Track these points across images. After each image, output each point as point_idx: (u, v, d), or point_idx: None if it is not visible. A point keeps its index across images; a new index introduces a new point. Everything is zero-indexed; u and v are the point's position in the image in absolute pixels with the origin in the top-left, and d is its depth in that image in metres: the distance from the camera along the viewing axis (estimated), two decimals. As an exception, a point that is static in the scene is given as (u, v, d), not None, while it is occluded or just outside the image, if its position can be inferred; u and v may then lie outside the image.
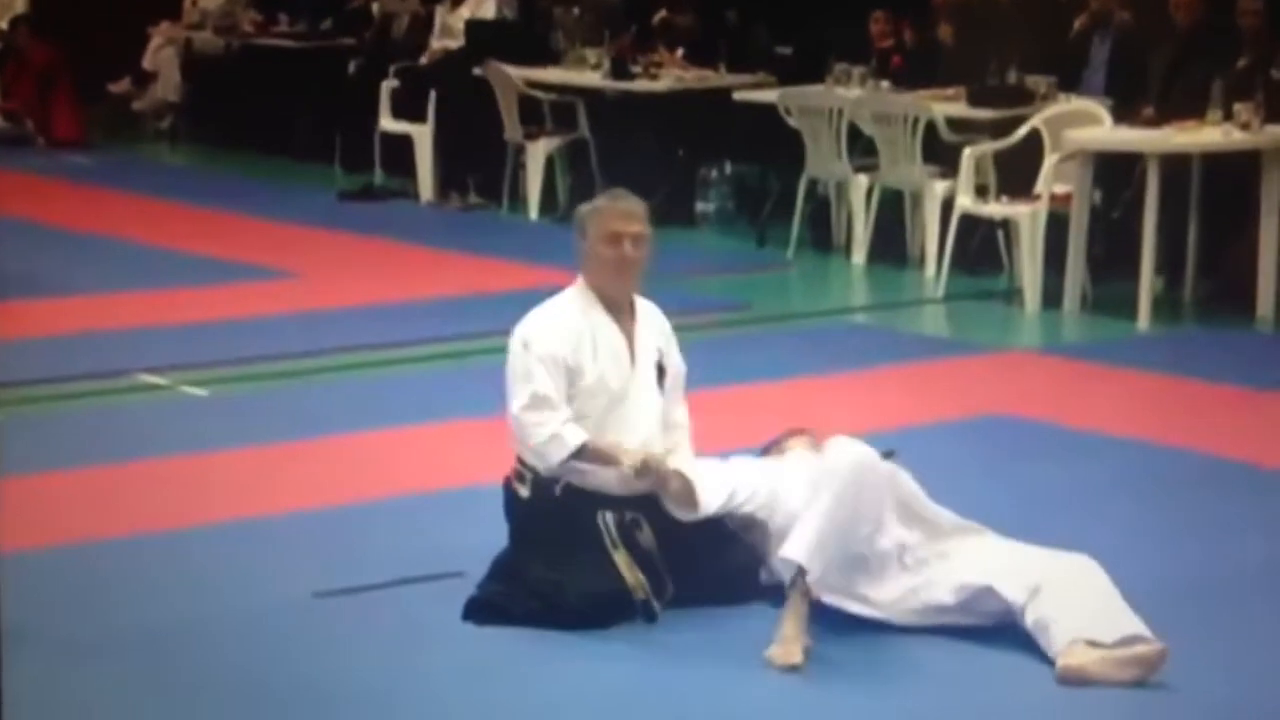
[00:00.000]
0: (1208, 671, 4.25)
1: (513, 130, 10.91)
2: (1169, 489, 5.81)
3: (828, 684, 4.29)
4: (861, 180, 9.34)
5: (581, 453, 4.75)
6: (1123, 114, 8.57)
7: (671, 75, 10.59)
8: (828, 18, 10.77)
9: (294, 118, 13.11)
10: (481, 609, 4.69)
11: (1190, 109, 8.23)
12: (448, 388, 6.88)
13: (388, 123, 11.87)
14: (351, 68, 12.70)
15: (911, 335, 8.26)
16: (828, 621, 4.48)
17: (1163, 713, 4.10)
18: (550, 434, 4.73)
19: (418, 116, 11.57)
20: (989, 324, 8.40)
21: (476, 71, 11.17)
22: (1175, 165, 8.11)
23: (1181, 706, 4.11)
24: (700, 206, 10.78)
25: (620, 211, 4.91)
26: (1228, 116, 8.05)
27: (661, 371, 4.95)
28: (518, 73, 10.97)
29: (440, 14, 12.06)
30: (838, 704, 4.22)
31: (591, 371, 4.82)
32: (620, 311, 4.92)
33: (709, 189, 10.87)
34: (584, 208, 5.08)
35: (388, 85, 11.91)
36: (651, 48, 10.96)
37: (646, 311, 5.01)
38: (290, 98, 13.15)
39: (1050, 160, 8.47)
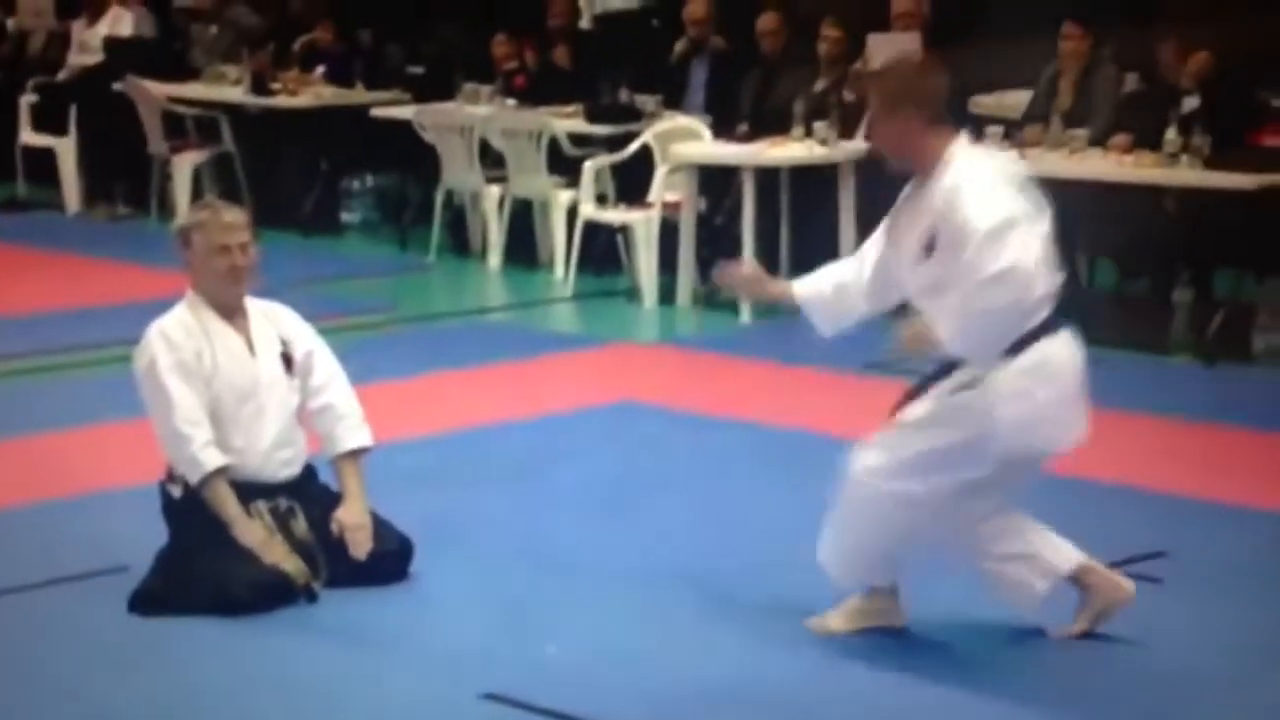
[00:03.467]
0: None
1: (156, 144, 10.89)
2: (769, 461, 6.06)
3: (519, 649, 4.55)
4: (493, 190, 9.51)
5: (219, 476, 4.72)
6: (721, 131, 8.97)
7: (311, 92, 10.66)
8: (456, 39, 10.99)
9: None
10: (148, 600, 4.68)
11: (778, 127, 8.68)
12: (100, 392, 6.65)
13: (29, 136, 11.72)
14: (-12, 82, 12.57)
15: (544, 331, 8.46)
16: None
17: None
18: (189, 456, 4.73)
19: (59, 130, 11.46)
20: (612, 319, 8.60)
21: (117, 86, 11.10)
22: (767, 176, 8.48)
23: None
24: (345, 216, 10.90)
25: (225, 224, 4.86)
26: (809, 133, 8.52)
27: (289, 361, 4.95)
28: (159, 88, 10.95)
29: (77, 31, 11.94)
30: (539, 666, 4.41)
31: (216, 375, 4.80)
32: (233, 315, 4.89)
33: (353, 199, 11.03)
34: (186, 221, 5.01)
35: (26, 100, 11.74)
36: (289, 65, 11.06)
37: (260, 310, 4.97)
38: None
39: (660, 172, 8.82)
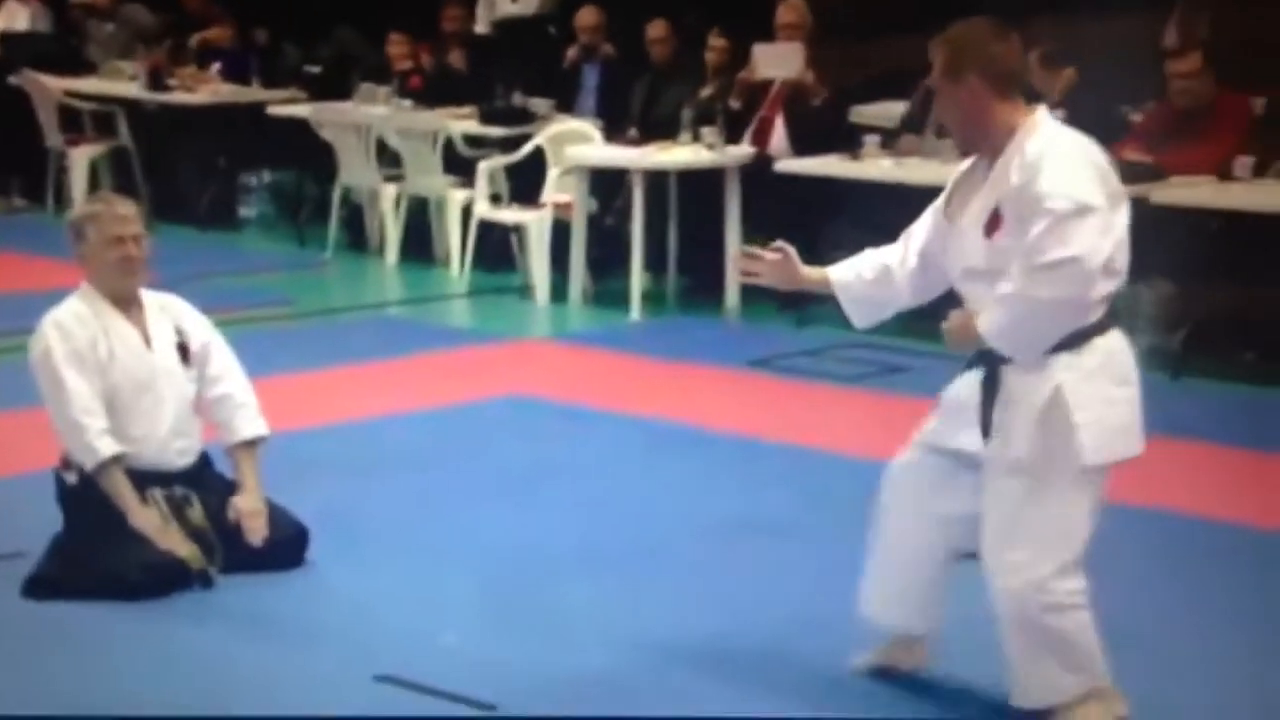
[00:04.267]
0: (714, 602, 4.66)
1: (53, 137, 10.79)
2: (656, 454, 6.11)
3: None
4: (390, 189, 9.51)
5: (114, 464, 4.70)
6: (611, 134, 9.00)
7: (208, 89, 10.61)
8: (353, 40, 10.99)
9: None
10: (42, 585, 4.65)
11: (666, 131, 8.71)
12: None
13: (-77, 129, 11.63)
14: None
15: (440, 326, 8.48)
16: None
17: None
18: (85, 444, 4.71)
19: (-46, 123, 11.35)
20: (506, 315, 8.61)
21: (13, 80, 10.98)
22: (656, 179, 8.51)
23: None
24: (243, 211, 10.85)
25: (118, 216, 4.85)
26: (696, 138, 8.54)
27: (185, 352, 4.93)
28: (55, 82, 10.85)
29: (-28, 24, 11.93)
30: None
31: (112, 364, 4.78)
32: (128, 306, 4.87)
33: (250, 195, 10.98)
34: (78, 214, 4.98)
35: (-79, 92, 11.65)
36: (185, 62, 10.99)
37: (155, 302, 4.96)
38: None
39: (553, 173, 8.86)
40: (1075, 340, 3.75)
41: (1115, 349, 3.82)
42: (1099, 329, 3.78)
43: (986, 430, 3.82)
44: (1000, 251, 3.74)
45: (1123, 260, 3.78)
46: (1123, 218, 3.78)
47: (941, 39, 3.90)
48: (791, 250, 4.12)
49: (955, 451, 3.93)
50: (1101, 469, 3.82)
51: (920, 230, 4.03)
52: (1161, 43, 9.18)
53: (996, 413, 3.81)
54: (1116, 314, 3.84)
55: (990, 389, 3.82)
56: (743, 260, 4.24)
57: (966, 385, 3.91)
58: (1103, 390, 3.77)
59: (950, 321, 3.85)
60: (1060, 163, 3.71)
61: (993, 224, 3.75)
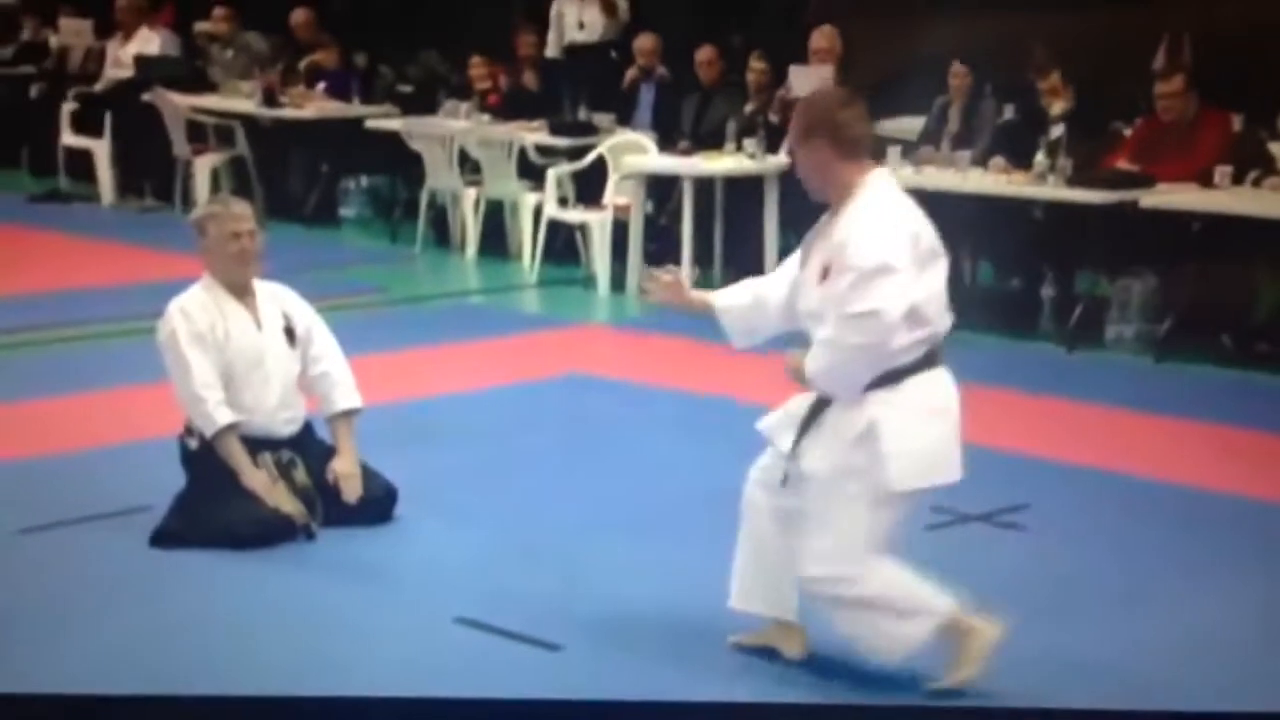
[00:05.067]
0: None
1: (180, 147, 10.79)
2: (703, 426, 6.08)
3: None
4: (471, 192, 9.47)
5: (230, 431, 4.73)
6: (665, 145, 8.95)
7: (314, 106, 10.62)
8: (438, 63, 11.01)
9: None
10: (167, 536, 4.69)
11: (713, 142, 8.75)
12: (129, 358, 6.44)
13: (69, 138, 11.59)
14: (33, 91, 12.33)
15: (512, 313, 8.47)
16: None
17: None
18: (204, 414, 4.73)
19: (96, 133, 11.37)
20: (571, 304, 8.58)
21: (146, 97, 11.02)
22: (704, 184, 8.52)
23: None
24: (343, 211, 10.85)
25: (234, 214, 4.88)
26: (740, 149, 8.57)
27: (291, 334, 4.93)
28: (183, 99, 10.87)
29: (112, 48, 11.84)
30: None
31: (228, 344, 4.81)
32: (243, 294, 4.89)
33: (349, 197, 10.99)
34: (200, 214, 4.98)
35: (67, 107, 11.63)
36: (295, 82, 11.02)
37: (266, 290, 4.97)
38: None
39: (613, 179, 8.82)
40: (891, 378, 3.71)
41: (932, 386, 3.76)
42: (915, 368, 3.73)
43: (796, 445, 3.81)
44: (828, 298, 3.73)
45: (935, 309, 3.73)
46: (935, 274, 3.74)
47: (798, 105, 3.93)
48: (682, 275, 4.16)
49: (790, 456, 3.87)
50: (910, 494, 3.75)
51: (789, 267, 4.01)
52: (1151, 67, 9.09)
53: (810, 434, 3.79)
54: (935, 354, 3.76)
55: (815, 412, 3.80)
56: (644, 280, 4.16)
57: (806, 399, 3.87)
58: (914, 424, 3.72)
59: (788, 359, 3.83)
60: (872, 225, 3.70)
61: (824, 272, 3.75)
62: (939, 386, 3.78)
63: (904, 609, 3.76)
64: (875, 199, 3.75)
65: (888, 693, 3.80)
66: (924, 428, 3.73)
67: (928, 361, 3.75)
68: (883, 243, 3.67)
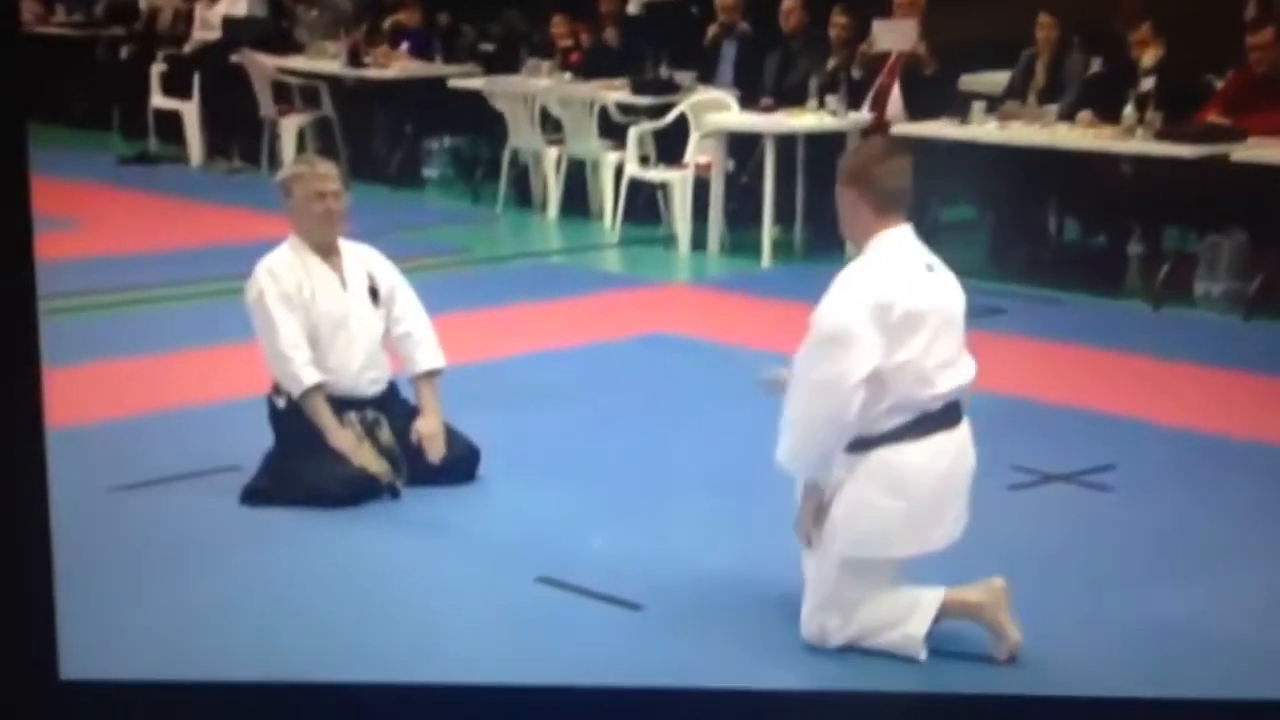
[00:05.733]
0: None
1: (267, 108, 10.87)
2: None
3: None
4: (552, 151, 9.44)
5: (316, 391, 4.75)
6: (746, 102, 8.85)
7: (398, 66, 10.63)
8: (520, 21, 10.95)
9: (72, 95, 12.77)
10: (256, 495, 4.72)
11: (795, 99, 8.64)
12: (217, 318, 6.51)
13: (158, 100, 11.71)
14: (124, 53, 12.49)
15: (594, 272, 8.43)
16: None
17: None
18: (291, 374, 4.75)
19: (185, 95, 11.47)
20: (652, 263, 8.56)
21: (234, 58, 11.09)
22: (786, 142, 8.37)
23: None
24: (426, 171, 10.82)
25: (319, 174, 4.87)
26: (822, 105, 8.47)
27: (375, 294, 4.93)
28: (269, 60, 10.93)
29: (200, 10, 11.95)
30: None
31: (314, 304, 4.81)
32: (328, 254, 4.88)
33: (432, 157, 10.92)
34: (286, 174, 4.96)
35: (157, 69, 11.75)
36: (379, 42, 11.04)
37: (351, 250, 4.96)
38: (68, 79, 12.79)
39: (694, 137, 8.74)
40: (859, 446, 3.65)
41: (900, 462, 3.64)
42: (886, 439, 3.64)
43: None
44: (798, 355, 3.71)
45: (912, 379, 3.59)
46: (917, 342, 3.59)
47: (849, 152, 4.00)
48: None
49: None
50: (862, 561, 3.68)
51: None
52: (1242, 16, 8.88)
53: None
54: (918, 425, 3.63)
55: None
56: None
57: None
58: (867, 496, 3.65)
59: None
60: (843, 287, 3.63)
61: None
62: (911, 460, 3.65)
63: (896, 618, 3.73)
64: (875, 258, 3.69)
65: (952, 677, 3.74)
66: (879, 501, 3.66)
67: (907, 433, 3.64)
68: (842, 309, 3.61)
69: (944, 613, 3.73)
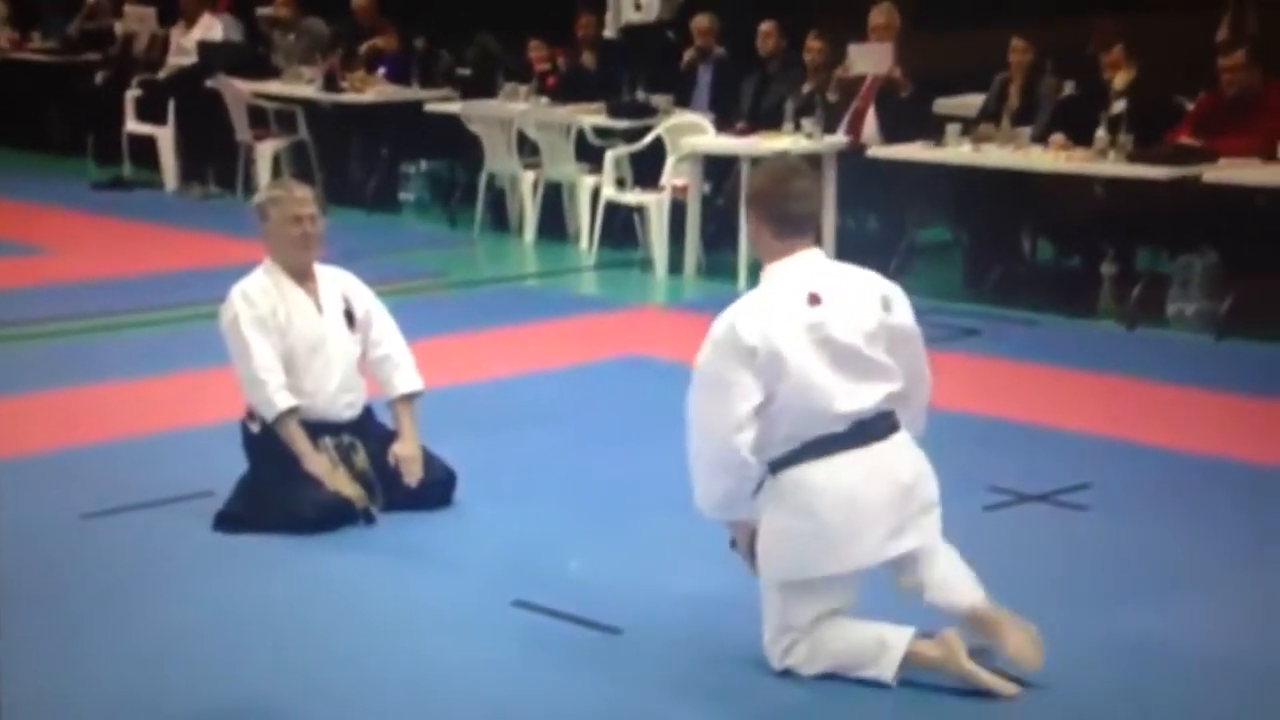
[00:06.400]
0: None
1: (243, 132, 10.88)
2: None
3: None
4: (529, 175, 9.47)
5: (290, 416, 4.72)
6: (722, 126, 8.91)
7: (374, 90, 10.65)
8: (497, 46, 10.93)
9: (48, 120, 12.76)
10: (229, 521, 4.70)
11: (771, 122, 8.68)
12: (191, 343, 6.58)
13: (133, 125, 11.72)
14: (99, 78, 12.45)
15: (572, 295, 8.47)
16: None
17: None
18: (265, 398, 4.72)
19: (160, 120, 11.47)
20: (629, 286, 8.59)
21: (209, 83, 11.10)
22: None
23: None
24: (402, 195, 10.87)
25: (296, 198, 4.86)
26: (798, 128, 8.49)
27: (351, 318, 4.92)
28: (245, 85, 10.94)
29: (175, 35, 11.92)
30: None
31: (289, 328, 4.80)
32: (304, 278, 4.88)
33: (409, 181, 10.98)
34: (262, 197, 4.96)
35: (132, 94, 11.74)
36: (356, 66, 11.06)
37: (327, 274, 4.96)
38: (43, 104, 12.80)
39: (671, 160, 8.79)
40: (772, 470, 3.63)
41: (806, 483, 3.59)
42: (787, 462, 3.61)
43: None
44: None
45: (798, 411, 3.55)
46: (788, 381, 3.53)
47: (753, 173, 3.86)
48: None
49: None
50: (795, 584, 3.65)
51: None
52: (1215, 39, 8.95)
53: None
54: (816, 447, 3.59)
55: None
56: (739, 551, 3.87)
57: None
58: (775, 521, 3.64)
59: None
60: (716, 333, 3.59)
61: None
62: (812, 480, 3.60)
63: (864, 659, 3.67)
64: (756, 295, 3.64)
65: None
66: (789, 524, 3.63)
67: (806, 454, 3.60)
68: (712, 357, 3.59)
69: (909, 663, 3.66)
